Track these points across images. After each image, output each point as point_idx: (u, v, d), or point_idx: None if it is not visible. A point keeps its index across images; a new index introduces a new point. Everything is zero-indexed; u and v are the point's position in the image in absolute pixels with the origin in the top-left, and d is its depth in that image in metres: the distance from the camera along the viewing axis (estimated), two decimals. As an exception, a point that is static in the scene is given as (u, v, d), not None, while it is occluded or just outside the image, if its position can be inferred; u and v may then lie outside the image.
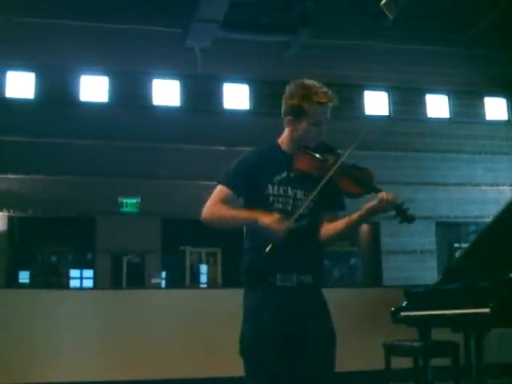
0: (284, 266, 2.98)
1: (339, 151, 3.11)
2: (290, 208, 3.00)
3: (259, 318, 2.97)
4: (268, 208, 2.97)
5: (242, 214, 2.97)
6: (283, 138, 3.16)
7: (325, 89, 3.04)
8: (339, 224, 3.04)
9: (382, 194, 2.87)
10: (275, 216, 2.84)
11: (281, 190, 3.04)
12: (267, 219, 2.83)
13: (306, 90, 3.02)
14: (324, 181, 2.94)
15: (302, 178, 3.02)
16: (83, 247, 15.69)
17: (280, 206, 3.01)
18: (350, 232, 3.08)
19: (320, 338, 3.00)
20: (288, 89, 3.10)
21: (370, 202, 2.90)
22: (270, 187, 3.03)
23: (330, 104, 3.03)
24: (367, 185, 2.98)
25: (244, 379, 2.99)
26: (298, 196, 3.03)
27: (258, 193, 3.03)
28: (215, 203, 3.02)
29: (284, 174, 3.05)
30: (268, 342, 2.92)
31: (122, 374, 7.10)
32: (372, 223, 15.61)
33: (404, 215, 2.92)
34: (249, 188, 3.06)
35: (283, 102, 3.11)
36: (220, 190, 3.05)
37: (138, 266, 14.76)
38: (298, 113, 3.03)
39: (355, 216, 2.96)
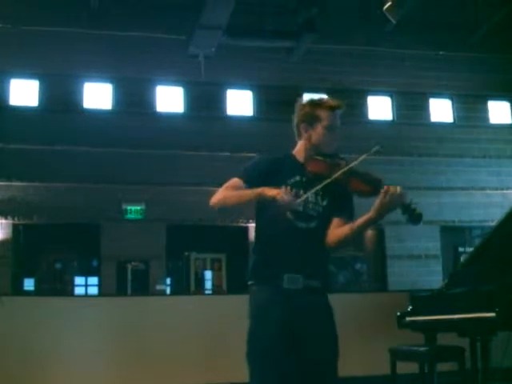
0: (291, 268, 3.03)
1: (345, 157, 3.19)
2: (301, 209, 3.08)
3: (265, 319, 3.02)
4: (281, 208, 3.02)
5: (250, 192, 3.03)
6: (298, 149, 3.27)
7: (331, 98, 3.23)
8: (346, 228, 3.08)
9: (388, 187, 2.89)
10: (282, 189, 2.89)
11: (293, 191, 3.07)
12: (273, 191, 2.90)
13: (316, 99, 3.21)
14: (335, 176, 3.00)
15: (314, 181, 3.07)
16: (88, 254, 15.70)
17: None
18: (359, 235, 3.13)
19: (324, 341, 3.04)
20: (297, 104, 3.25)
21: (376, 200, 2.92)
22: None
23: (339, 110, 3.18)
24: (375, 183, 2.99)
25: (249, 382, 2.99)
26: (310, 199, 3.10)
27: None
28: (225, 188, 3.11)
29: (297, 178, 3.14)
30: (273, 344, 2.97)
31: (127, 381, 7.09)
32: (377, 228, 15.59)
33: (411, 213, 2.89)
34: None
35: (295, 115, 3.24)
36: (232, 181, 3.14)
37: (143, 273, 14.76)
38: (311, 119, 3.17)
39: (362, 219, 3.01)
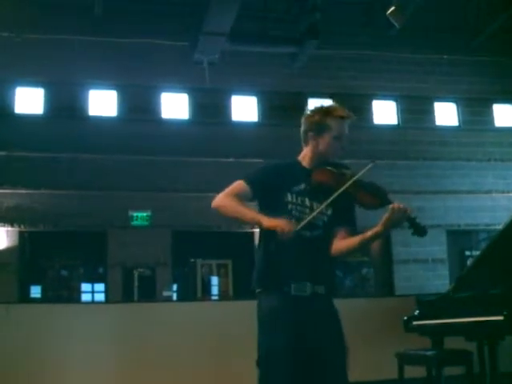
0: (297, 276, 3.06)
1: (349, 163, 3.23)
2: (306, 217, 3.09)
3: (275, 327, 3.03)
4: (285, 215, 3.05)
5: (249, 214, 3.04)
6: (304, 155, 3.29)
7: (341, 107, 3.24)
8: (353, 240, 3.14)
9: (394, 205, 2.96)
10: (281, 220, 2.92)
11: (299, 199, 3.15)
12: (271, 221, 2.92)
13: (326, 108, 3.21)
14: (341, 190, 3.05)
15: (319, 190, 3.13)
16: (94, 261, 15.70)
17: (297, 214, 3.12)
18: (363, 248, 3.17)
19: (333, 347, 3.06)
20: (307, 110, 3.26)
21: (384, 216, 2.99)
22: (288, 195, 3.14)
23: (348, 119, 3.20)
24: (382, 197, 3.09)
25: None
26: (314, 207, 3.13)
27: (276, 200, 3.12)
28: (228, 194, 3.11)
29: (302, 186, 3.17)
30: (284, 351, 2.97)
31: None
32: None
33: (417, 227, 3.02)
34: (267, 195, 3.15)
35: (303, 121, 3.25)
36: (237, 184, 3.15)
37: (150, 279, 14.75)
38: (320, 128, 3.18)
39: (370, 233, 3.05)
